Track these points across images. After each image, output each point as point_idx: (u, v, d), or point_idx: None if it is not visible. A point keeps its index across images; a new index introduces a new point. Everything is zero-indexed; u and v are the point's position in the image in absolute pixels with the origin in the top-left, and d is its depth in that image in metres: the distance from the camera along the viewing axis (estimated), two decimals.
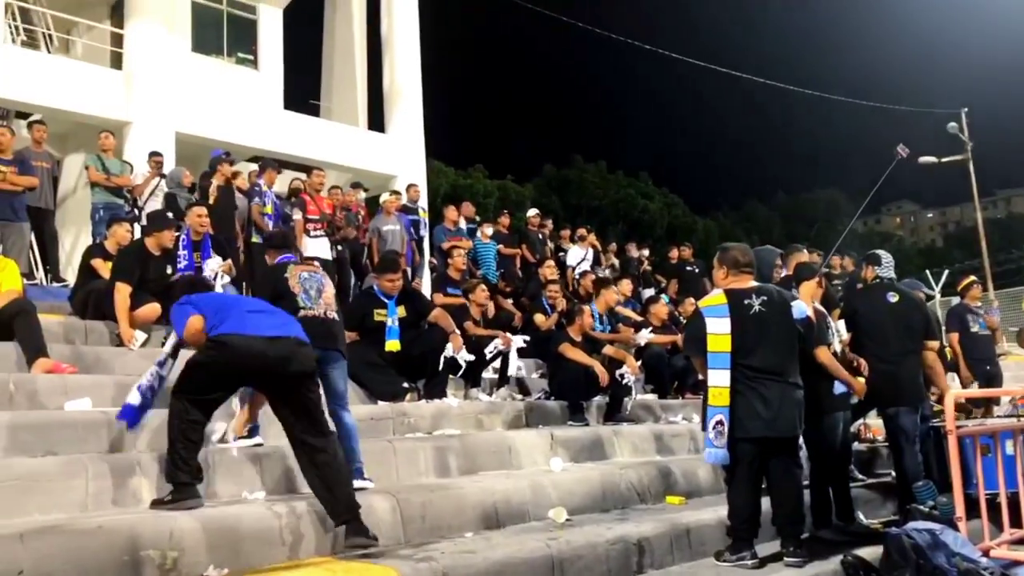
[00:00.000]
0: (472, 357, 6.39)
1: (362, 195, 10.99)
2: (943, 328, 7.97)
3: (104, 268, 6.49)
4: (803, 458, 4.67)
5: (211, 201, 8.21)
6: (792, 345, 4.34)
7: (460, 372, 6.51)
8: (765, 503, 4.32)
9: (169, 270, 6.27)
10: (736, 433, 4.12)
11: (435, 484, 4.58)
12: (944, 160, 24.87)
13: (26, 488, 3.41)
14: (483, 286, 8.22)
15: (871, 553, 4.43)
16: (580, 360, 6.74)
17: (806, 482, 4.73)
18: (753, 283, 4.40)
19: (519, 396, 7.27)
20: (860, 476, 6.35)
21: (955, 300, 9.73)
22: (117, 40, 13.24)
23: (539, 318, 8.28)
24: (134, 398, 3.89)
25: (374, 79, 16.93)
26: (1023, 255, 38.14)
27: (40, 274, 9.52)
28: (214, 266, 6.59)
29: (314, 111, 16.75)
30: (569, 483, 4.88)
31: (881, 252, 6.05)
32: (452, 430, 5.71)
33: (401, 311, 6.16)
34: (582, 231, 12.18)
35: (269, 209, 9.05)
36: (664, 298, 9.96)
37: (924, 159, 24.08)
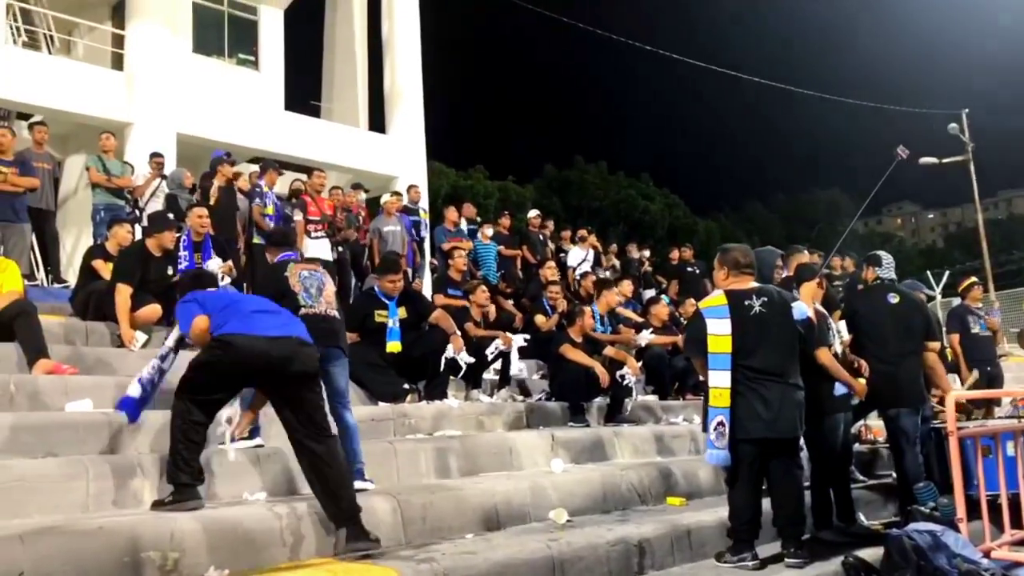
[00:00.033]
0: (473, 359, 6.40)
1: (363, 196, 10.98)
2: (944, 329, 7.96)
3: (105, 269, 6.49)
4: (804, 459, 4.66)
5: (212, 202, 8.20)
6: (793, 346, 4.34)
7: (461, 373, 6.51)
8: (766, 504, 4.33)
9: (170, 271, 6.28)
10: (737, 434, 4.12)
11: (436, 485, 4.58)
12: (945, 161, 24.84)
13: (27, 489, 3.41)
14: (484, 287, 8.22)
15: (872, 554, 4.43)
16: (581, 361, 6.74)
17: (807, 483, 4.73)
18: (754, 284, 4.40)
19: (520, 397, 7.27)
20: (861, 477, 6.34)
21: (956, 301, 9.73)
22: (118, 41, 13.25)
23: (540, 319, 8.28)
24: (134, 390, 3.91)
25: (375, 80, 16.94)
26: None
27: (41, 275, 9.52)
28: (215, 267, 6.60)
29: (315, 112, 16.78)
30: (570, 484, 4.88)
31: (882, 253, 6.05)
32: (453, 431, 5.71)
33: (402, 312, 6.16)
34: (583, 232, 12.18)
35: (270, 210, 9.05)
36: (665, 299, 9.94)
37: (925, 160, 24.04)
